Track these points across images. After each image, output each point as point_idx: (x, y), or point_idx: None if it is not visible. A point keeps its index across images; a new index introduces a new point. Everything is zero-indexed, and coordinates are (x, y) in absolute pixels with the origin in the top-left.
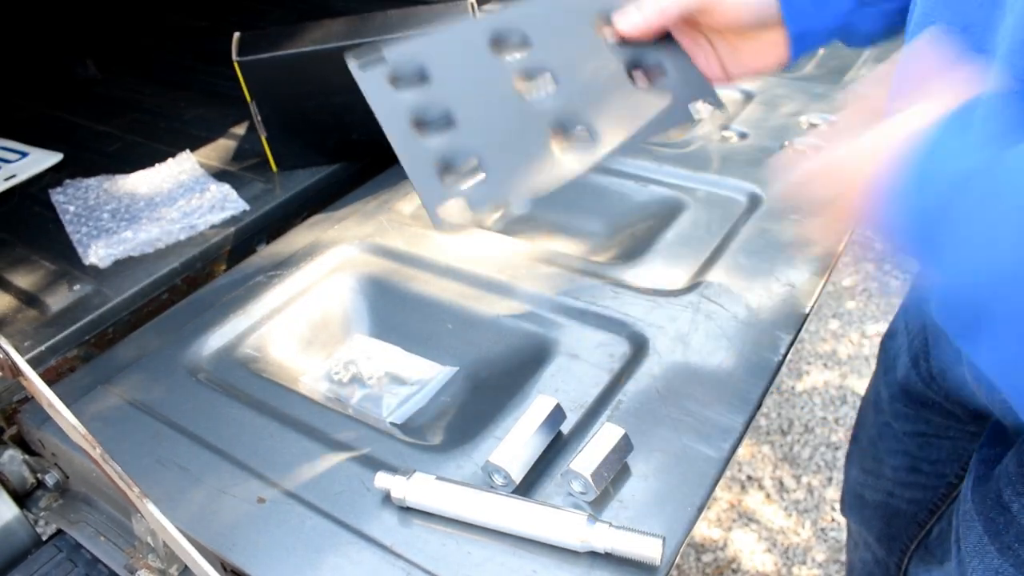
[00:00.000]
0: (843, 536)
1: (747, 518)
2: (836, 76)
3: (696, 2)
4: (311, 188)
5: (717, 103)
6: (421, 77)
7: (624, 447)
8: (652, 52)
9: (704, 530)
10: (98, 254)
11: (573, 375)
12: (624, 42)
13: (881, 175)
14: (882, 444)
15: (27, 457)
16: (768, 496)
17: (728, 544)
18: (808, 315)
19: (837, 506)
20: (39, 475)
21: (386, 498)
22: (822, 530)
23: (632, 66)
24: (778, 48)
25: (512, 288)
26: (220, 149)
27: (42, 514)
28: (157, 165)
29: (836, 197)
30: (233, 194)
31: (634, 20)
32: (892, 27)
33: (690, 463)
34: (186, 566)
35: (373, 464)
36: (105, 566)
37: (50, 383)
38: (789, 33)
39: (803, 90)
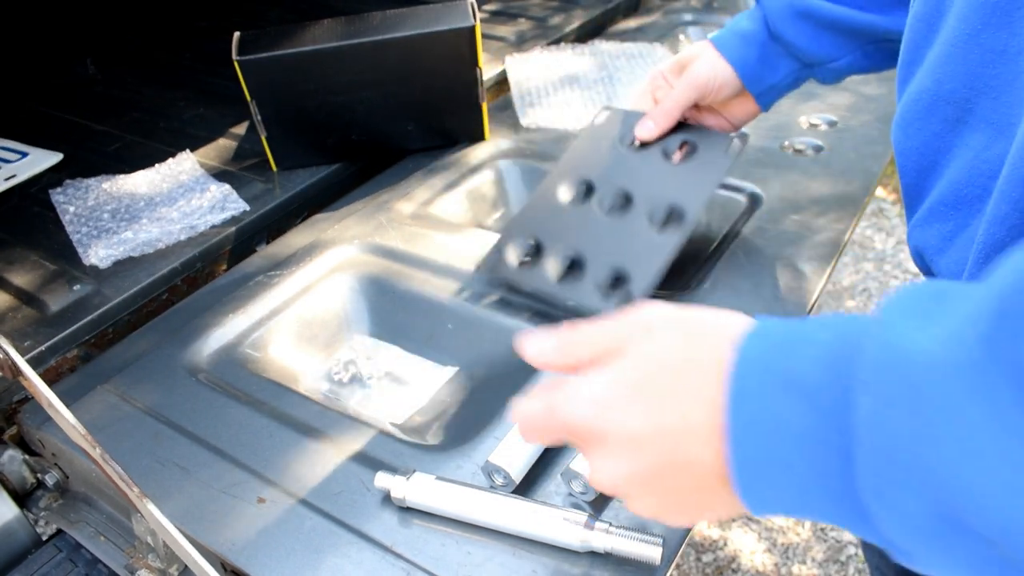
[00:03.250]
0: (842, 535)
1: (746, 518)
2: None
3: (692, 99)
4: (311, 188)
5: (742, 136)
6: (529, 242)
7: None
8: (674, 138)
9: (704, 530)
10: (98, 254)
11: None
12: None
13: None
14: None
15: (27, 457)
16: None
17: (728, 544)
18: (808, 316)
19: None
20: (39, 475)
21: (386, 498)
22: (821, 530)
23: (666, 155)
24: (750, 104)
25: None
26: (220, 149)
27: (42, 514)
28: (157, 165)
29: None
30: (233, 194)
31: (650, 128)
32: (854, 70)
33: None
34: (186, 566)
35: (373, 464)
36: (105, 566)
37: (50, 383)
38: (752, 93)
39: (803, 90)
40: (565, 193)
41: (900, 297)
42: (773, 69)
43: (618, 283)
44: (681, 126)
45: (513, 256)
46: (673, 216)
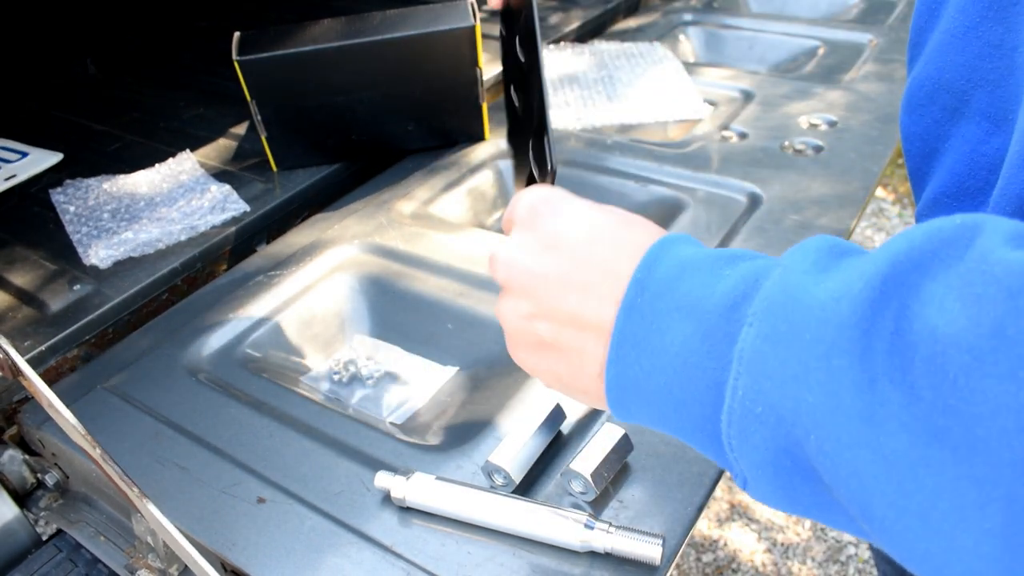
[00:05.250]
0: (842, 535)
1: (746, 517)
2: (836, 76)
3: None
4: (311, 188)
5: None
6: None
7: (624, 447)
8: None
9: (704, 530)
10: (98, 255)
11: None
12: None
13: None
14: None
15: (27, 457)
16: None
17: (727, 544)
18: None
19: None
20: (39, 475)
21: (386, 498)
22: (821, 529)
23: None
24: None
25: None
26: (220, 149)
27: (42, 514)
28: (157, 165)
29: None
30: (234, 195)
31: None
32: None
33: (690, 463)
34: (186, 566)
35: (373, 464)
36: (105, 566)
37: (50, 383)
38: None
39: (803, 90)
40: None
41: (805, 247)
42: None
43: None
44: None
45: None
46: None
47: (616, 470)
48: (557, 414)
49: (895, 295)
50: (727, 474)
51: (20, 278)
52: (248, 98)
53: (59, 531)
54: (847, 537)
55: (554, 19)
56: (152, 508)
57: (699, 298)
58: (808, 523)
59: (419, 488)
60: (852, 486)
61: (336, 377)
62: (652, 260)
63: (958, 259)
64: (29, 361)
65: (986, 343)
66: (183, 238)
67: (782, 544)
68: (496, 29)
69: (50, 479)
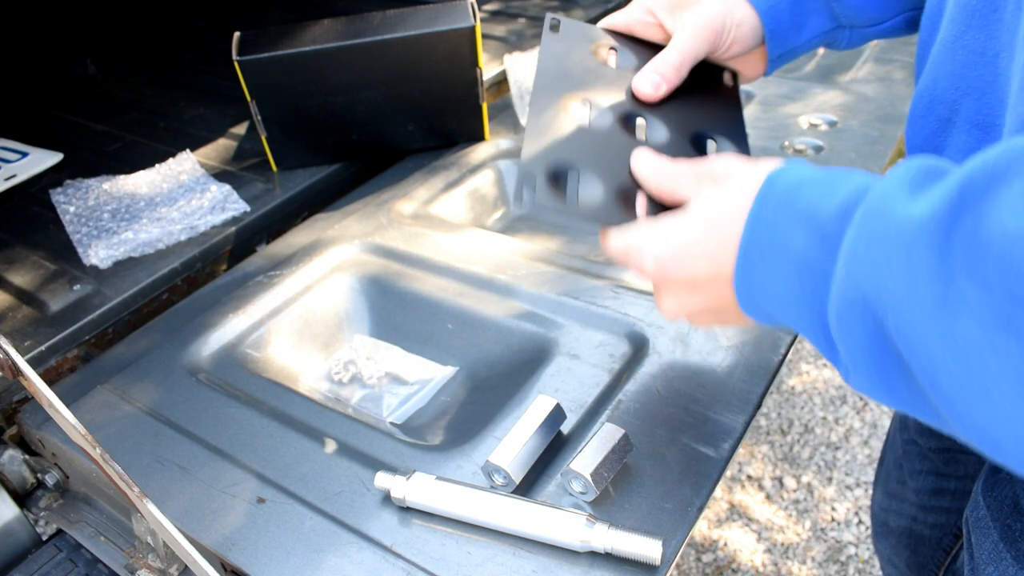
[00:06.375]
0: (842, 535)
1: (747, 518)
2: (836, 76)
3: (706, 51)
4: (311, 188)
5: (731, 71)
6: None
7: (624, 447)
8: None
9: (704, 530)
10: (98, 255)
11: (573, 375)
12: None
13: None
14: (907, 464)
15: (27, 457)
16: (768, 496)
17: (728, 544)
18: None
19: (836, 505)
20: (39, 475)
21: (386, 498)
22: (821, 530)
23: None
24: (758, 64)
25: (512, 288)
26: (220, 149)
27: (42, 514)
28: (157, 165)
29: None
30: (234, 195)
31: (656, 84)
32: (888, 35)
33: (690, 463)
34: (186, 566)
35: (373, 464)
36: (105, 566)
37: (50, 383)
38: (769, 54)
39: (803, 90)
40: (579, 112)
41: (907, 165)
42: (800, 27)
43: None
44: (636, 41)
45: (554, 182)
46: (720, 148)
47: (616, 470)
48: (557, 414)
49: (973, 202)
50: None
51: (20, 278)
52: (248, 98)
53: (59, 531)
54: (847, 537)
55: None
56: (152, 508)
57: (816, 209)
58: (808, 523)
59: (419, 488)
60: (923, 363)
61: (336, 377)
62: (773, 178)
63: None
64: (29, 361)
65: None
66: (183, 238)
67: (782, 544)
68: (496, 29)
69: (50, 479)
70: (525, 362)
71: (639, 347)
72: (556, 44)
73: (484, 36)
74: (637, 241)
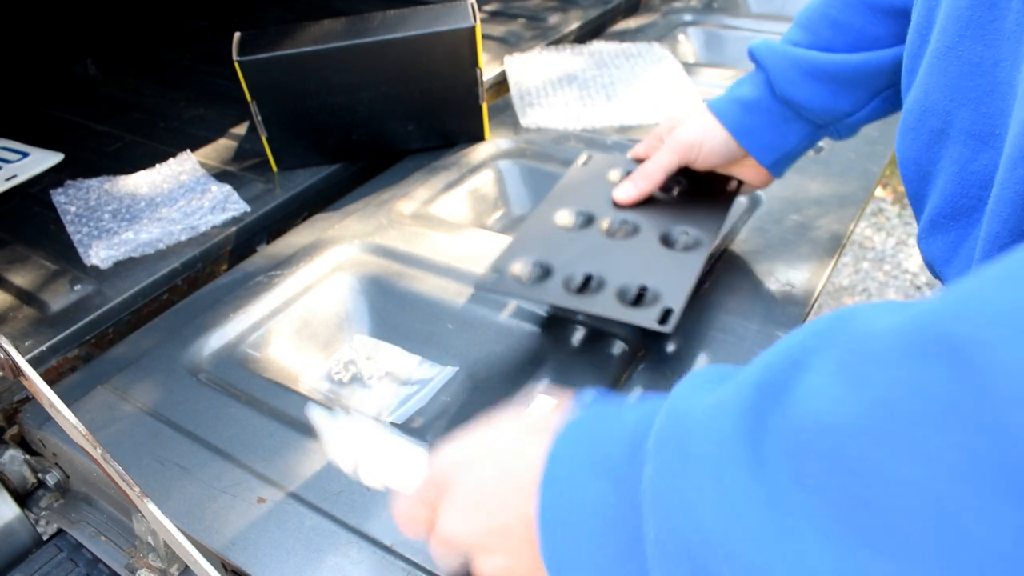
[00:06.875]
0: None
1: None
2: None
3: (673, 163)
4: (311, 188)
5: (739, 182)
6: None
7: None
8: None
9: None
10: (99, 255)
11: (573, 375)
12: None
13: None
14: None
15: (28, 457)
16: None
17: None
18: (807, 315)
19: None
20: (40, 475)
21: (385, 498)
22: None
23: (665, 190)
24: (761, 171)
25: None
26: (220, 149)
27: (43, 514)
28: (157, 165)
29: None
30: (234, 195)
31: (628, 191)
32: (874, 118)
33: None
34: (187, 566)
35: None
36: (106, 566)
37: (51, 383)
38: (762, 163)
39: None
40: (565, 218)
41: (692, 376)
42: (784, 136)
43: (642, 299)
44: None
45: (519, 272)
46: (689, 239)
47: None
48: None
49: (773, 397)
50: None
51: (21, 278)
52: (248, 98)
53: (60, 531)
54: None
55: (554, 19)
56: (152, 508)
57: (605, 452)
58: None
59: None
60: None
61: (336, 377)
62: (562, 436)
63: (831, 346)
64: (30, 361)
65: (878, 423)
66: (183, 238)
67: None
68: (496, 29)
69: (51, 479)
70: (525, 362)
71: (639, 347)
72: (580, 171)
73: (484, 36)
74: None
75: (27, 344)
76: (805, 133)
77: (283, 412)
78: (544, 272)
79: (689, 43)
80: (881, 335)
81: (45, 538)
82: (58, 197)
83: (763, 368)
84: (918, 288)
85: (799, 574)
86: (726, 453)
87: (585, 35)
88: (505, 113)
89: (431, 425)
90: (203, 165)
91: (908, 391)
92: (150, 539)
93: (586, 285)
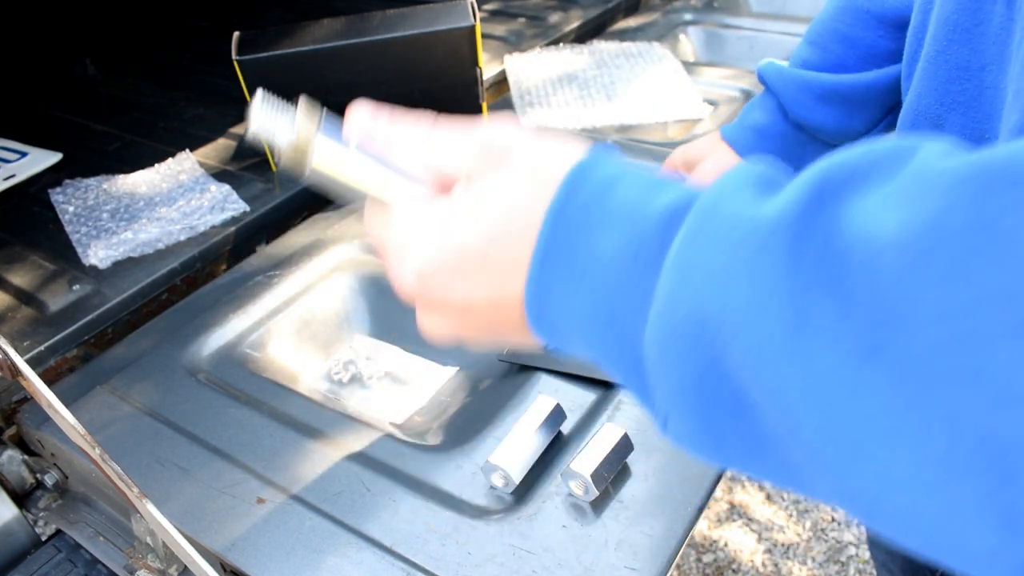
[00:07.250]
0: (842, 535)
1: (747, 518)
2: None
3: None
4: (311, 188)
5: None
6: None
7: (624, 447)
8: None
9: (704, 530)
10: (98, 255)
11: (573, 375)
12: None
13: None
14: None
15: (26, 457)
16: (768, 496)
17: (728, 544)
18: None
19: (837, 506)
20: (38, 475)
21: (386, 497)
22: (822, 530)
23: None
24: None
25: None
26: (220, 149)
27: (41, 514)
28: (157, 165)
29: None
30: (234, 195)
31: None
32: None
33: (690, 463)
34: (186, 566)
35: (373, 464)
36: (104, 566)
37: (49, 383)
38: None
39: None
40: None
41: (743, 168)
42: (800, 160)
43: None
44: None
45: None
46: None
47: (616, 470)
48: (557, 414)
49: (828, 205)
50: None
51: (20, 278)
52: (248, 98)
53: (58, 531)
54: (847, 537)
55: (554, 19)
56: (151, 508)
57: (635, 207)
58: (809, 523)
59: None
60: (779, 404)
61: (336, 377)
62: (586, 168)
63: (892, 175)
64: (28, 361)
65: (923, 241)
66: (183, 238)
67: (782, 544)
68: (496, 29)
69: (49, 479)
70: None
71: None
72: None
73: (484, 36)
74: (400, 237)
75: (26, 344)
76: (821, 156)
77: (283, 412)
78: None
79: (689, 42)
80: (946, 170)
81: (44, 539)
82: (57, 197)
83: (820, 176)
84: None
85: (800, 370)
86: (769, 241)
87: (585, 34)
88: (505, 113)
89: (431, 425)
90: (202, 165)
91: (964, 216)
92: (149, 540)
93: None
